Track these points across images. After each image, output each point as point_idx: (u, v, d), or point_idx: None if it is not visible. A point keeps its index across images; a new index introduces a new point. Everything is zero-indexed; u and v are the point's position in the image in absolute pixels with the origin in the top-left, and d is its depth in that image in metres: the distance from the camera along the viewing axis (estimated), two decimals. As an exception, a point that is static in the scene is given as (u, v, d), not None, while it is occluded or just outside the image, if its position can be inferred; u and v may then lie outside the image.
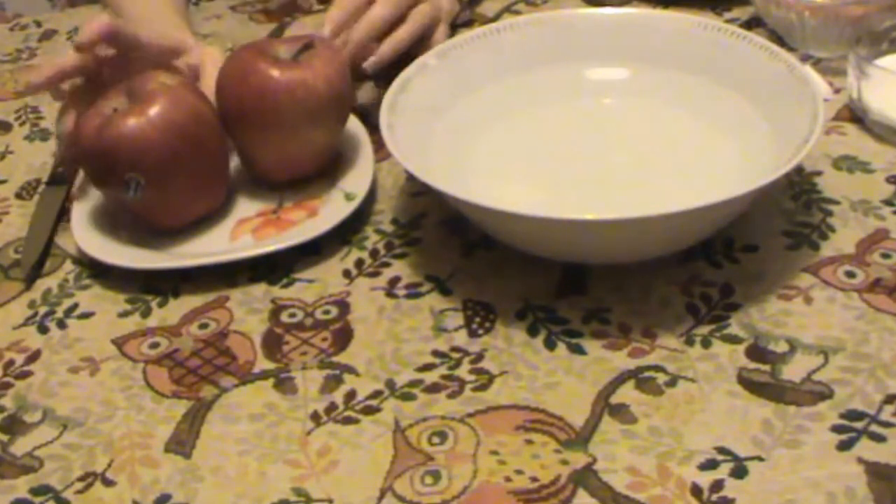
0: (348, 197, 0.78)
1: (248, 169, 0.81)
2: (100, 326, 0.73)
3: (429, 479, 0.59)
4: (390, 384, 0.65)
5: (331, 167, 0.81)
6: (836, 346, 0.64)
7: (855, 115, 0.82)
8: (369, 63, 0.86)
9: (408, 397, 0.64)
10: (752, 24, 0.93)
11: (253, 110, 0.76)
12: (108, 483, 0.62)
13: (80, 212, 0.79)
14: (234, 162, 0.81)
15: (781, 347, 0.65)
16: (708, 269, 0.70)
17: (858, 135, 0.81)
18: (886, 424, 0.59)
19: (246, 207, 0.80)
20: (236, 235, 0.78)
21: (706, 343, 0.65)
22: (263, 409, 0.65)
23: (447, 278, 0.73)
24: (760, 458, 0.58)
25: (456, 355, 0.67)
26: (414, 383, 0.65)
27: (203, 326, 0.71)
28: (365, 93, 0.91)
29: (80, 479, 0.62)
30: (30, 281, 0.77)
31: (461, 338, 0.68)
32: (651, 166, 0.76)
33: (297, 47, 0.78)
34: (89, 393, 0.68)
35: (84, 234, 0.77)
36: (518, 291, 0.70)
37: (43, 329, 0.73)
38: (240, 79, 0.77)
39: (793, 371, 0.63)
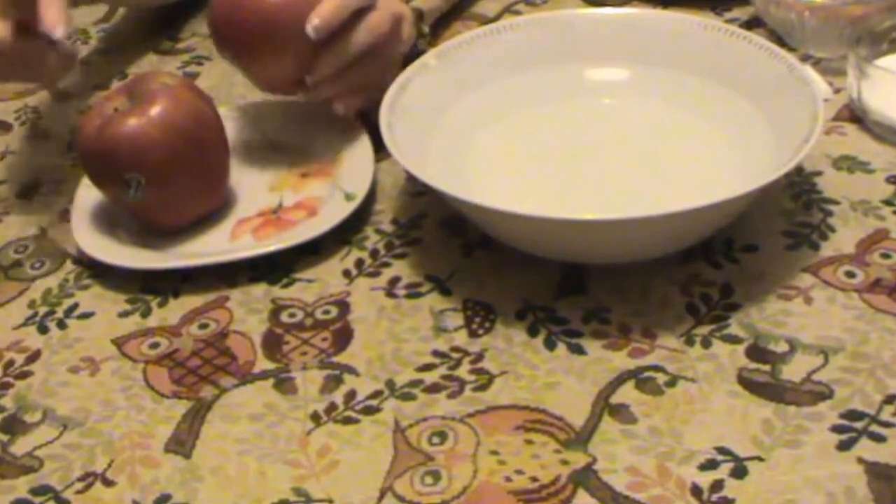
0: (348, 197, 0.78)
1: (256, 83, 0.82)
2: (100, 326, 0.73)
3: (429, 479, 0.59)
4: (390, 384, 0.65)
5: (331, 167, 0.81)
6: (836, 346, 0.64)
7: (855, 115, 0.82)
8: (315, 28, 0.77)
9: (408, 397, 0.64)
10: (752, 24, 0.93)
11: (254, 31, 0.77)
12: (108, 483, 0.62)
13: (80, 212, 0.79)
14: (234, 161, 0.81)
15: (781, 347, 0.65)
16: (708, 269, 0.70)
17: (858, 135, 0.81)
18: (886, 424, 0.59)
19: (246, 207, 0.80)
20: (236, 235, 0.78)
21: (706, 343, 0.65)
22: (263, 409, 0.65)
23: (447, 278, 0.72)
24: (760, 458, 0.58)
25: (456, 355, 0.67)
26: (414, 383, 0.65)
27: (203, 326, 0.71)
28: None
29: (80, 479, 0.62)
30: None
31: (461, 338, 0.68)
32: (651, 166, 0.76)
33: None
34: (89, 393, 0.68)
35: (84, 234, 0.77)
36: (518, 291, 0.70)
37: (43, 329, 0.73)
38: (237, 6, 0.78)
39: (793, 371, 0.63)
